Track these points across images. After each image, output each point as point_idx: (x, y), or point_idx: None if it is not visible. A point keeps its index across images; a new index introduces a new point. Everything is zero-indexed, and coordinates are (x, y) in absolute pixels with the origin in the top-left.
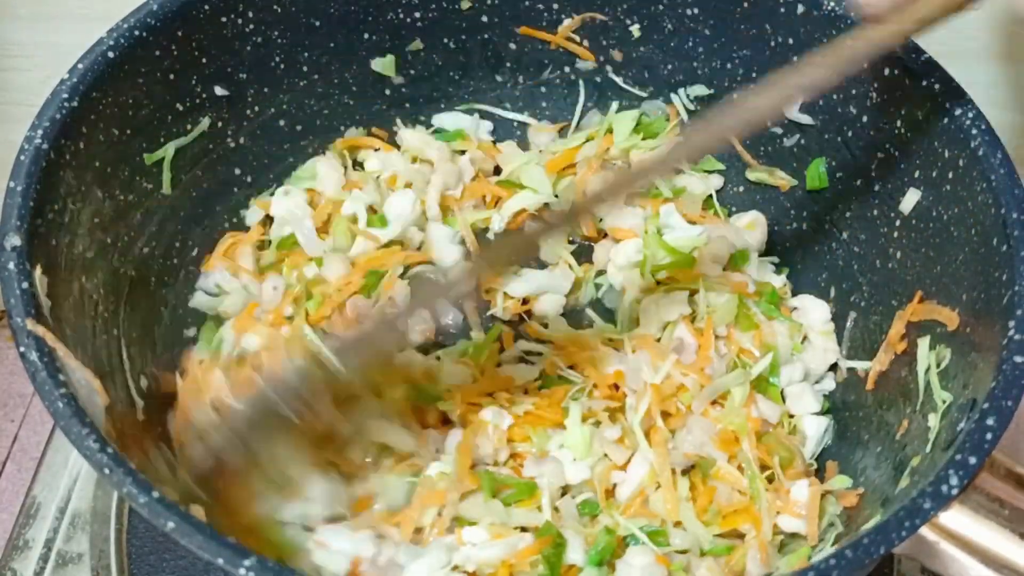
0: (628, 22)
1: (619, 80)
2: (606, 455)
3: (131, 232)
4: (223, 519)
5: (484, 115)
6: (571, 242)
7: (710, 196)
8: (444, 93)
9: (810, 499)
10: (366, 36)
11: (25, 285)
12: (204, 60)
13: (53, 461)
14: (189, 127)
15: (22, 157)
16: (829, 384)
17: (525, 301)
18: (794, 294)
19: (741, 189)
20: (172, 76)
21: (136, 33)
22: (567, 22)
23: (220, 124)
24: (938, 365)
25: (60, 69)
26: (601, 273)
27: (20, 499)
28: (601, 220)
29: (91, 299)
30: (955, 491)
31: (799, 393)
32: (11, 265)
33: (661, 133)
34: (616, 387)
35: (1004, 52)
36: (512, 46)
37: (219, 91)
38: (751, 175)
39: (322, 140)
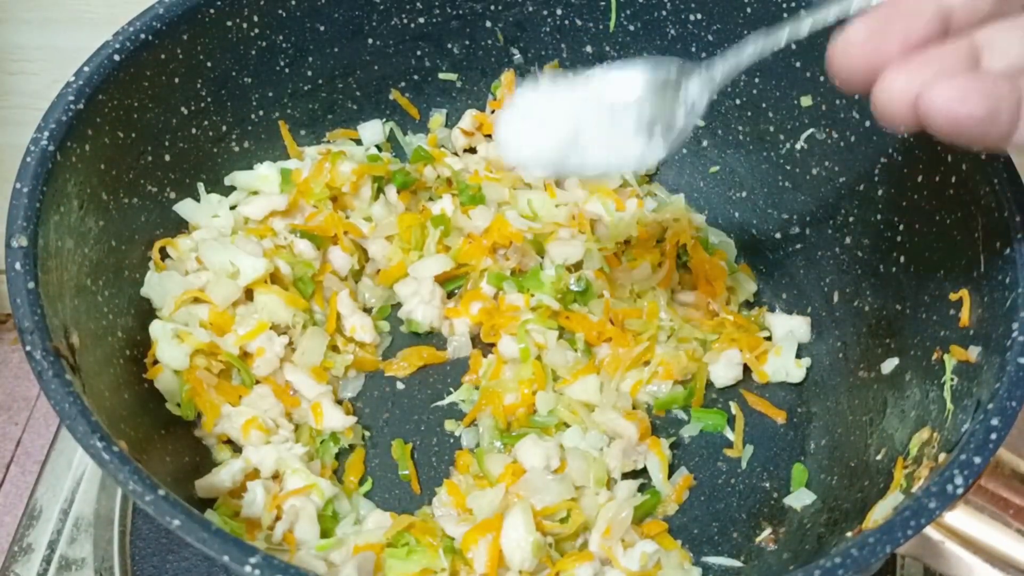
0: (631, 28)
1: None
2: None
3: (136, 234)
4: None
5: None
6: None
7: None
8: (448, 99)
9: None
10: (370, 41)
11: (31, 285)
12: (209, 64)
13: (56, 464)
14: (194, 130)
15: (28, 159)
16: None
17: None
18: (797, 298)
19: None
20: (177, 79)
21: (142, 36)
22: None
23: (224, 127)
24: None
25: (66, 72)
26: None
27: (23, 502)
28: None
29: (96, 300)
30: (960, 491)
31: None
32: (17, 265)
33: None
34: None
35: None
36: (515, 52)
37: (224, 94)
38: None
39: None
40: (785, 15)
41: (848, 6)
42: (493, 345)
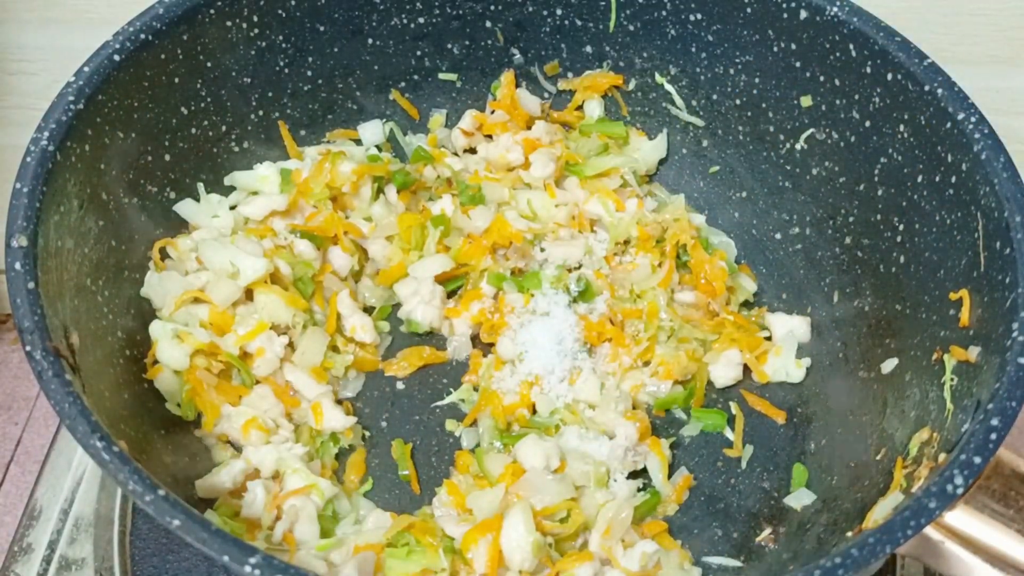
0: (631, 28)
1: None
2: None
3: (136, 234)
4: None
5: None
6: None
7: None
8: (448, 99)
9: None
10: (370, 42)
11: (31, 285)
12: (209, 64)
13: (56, 464)
14: (194, 130)
15: (28, 159)
16: None
17: None
18: (797, 298)
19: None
20: (177, 79)
21: (142, 36)
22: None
23: (224, 127)
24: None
25: (66, 72)
26: None
27: (23, 502)
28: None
29: (96, 300)
30: (960, 490)
31: None
32: (17, 265)
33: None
34: None
35: (1007, 57)
36: (515, 52)
37: (223, 94)
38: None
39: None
40: (785, 15)
41: None
42: (493, 345)
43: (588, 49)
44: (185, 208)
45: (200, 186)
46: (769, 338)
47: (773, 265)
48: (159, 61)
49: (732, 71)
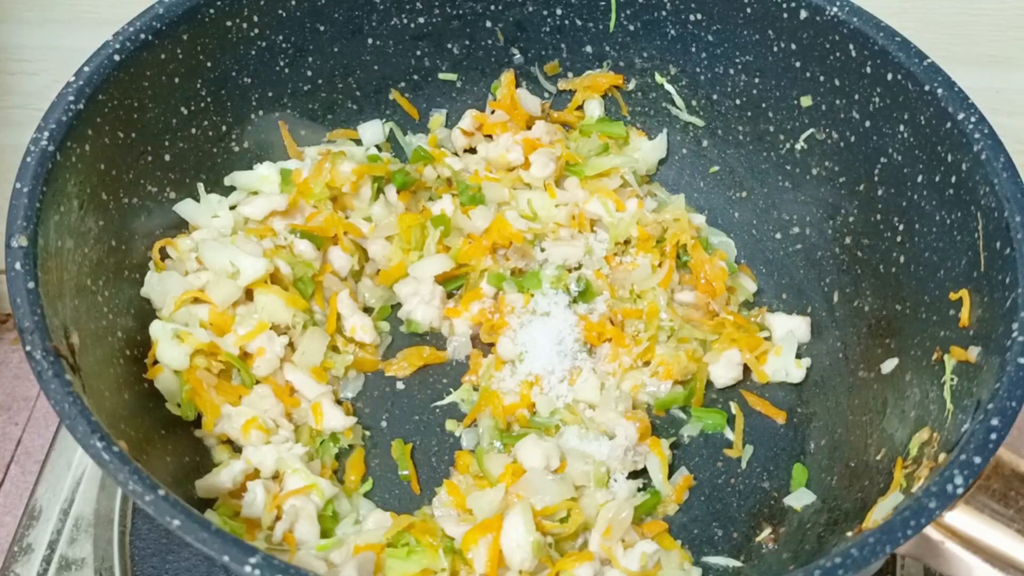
0: (631, 28)
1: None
2: None
3: (136, 234)
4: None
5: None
6: None
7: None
8: (448, 99)
9: None
10: (370, 41)
11: (31, 285)
12: (209, 64)
13: (57, 464)
14: (194, 130)
15: (28, 159)
16: None
17: None
18: (797, 298)
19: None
20: (177, 79)
21: (142, 36)
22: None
23: (224, 127)
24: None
25: (66, 72)
26: None
27: (23, 502)
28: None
29: (96, 300)
30: (960, 490)
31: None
32: (17, 265)
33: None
34: None
35: (1007, 57)
36: (515, 52)
37: (223, 94)
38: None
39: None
40: (785, 15)
41: None
42: (493, 345)
43: (588, 49)
44: (185, 208)
45: (200, 186)
46: (769, 338)
47: (773, 265)
48: (159, 61)
49: (732, 71)
